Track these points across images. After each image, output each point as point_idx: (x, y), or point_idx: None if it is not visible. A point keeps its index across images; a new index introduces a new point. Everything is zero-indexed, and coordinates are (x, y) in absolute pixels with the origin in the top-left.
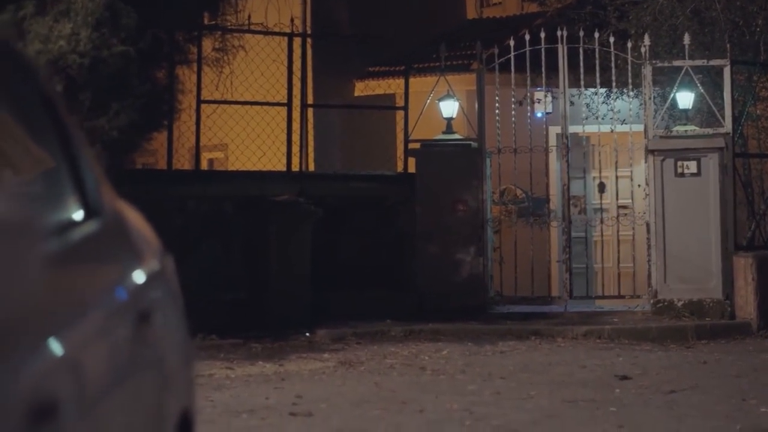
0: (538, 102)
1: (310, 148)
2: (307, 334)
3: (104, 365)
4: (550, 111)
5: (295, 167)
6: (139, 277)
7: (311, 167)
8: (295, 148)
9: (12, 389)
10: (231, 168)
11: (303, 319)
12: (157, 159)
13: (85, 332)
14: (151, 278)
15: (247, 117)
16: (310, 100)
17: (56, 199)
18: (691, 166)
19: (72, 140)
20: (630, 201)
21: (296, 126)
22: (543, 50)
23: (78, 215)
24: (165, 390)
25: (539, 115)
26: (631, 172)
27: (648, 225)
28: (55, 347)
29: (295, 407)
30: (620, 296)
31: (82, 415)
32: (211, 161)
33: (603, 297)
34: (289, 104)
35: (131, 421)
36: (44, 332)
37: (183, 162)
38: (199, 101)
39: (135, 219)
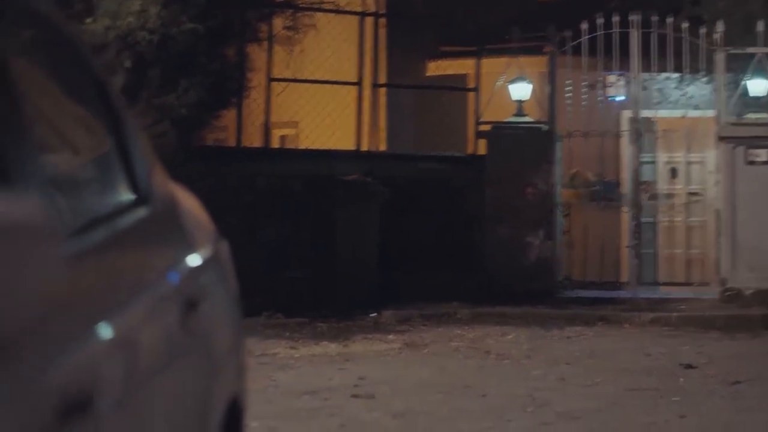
0: (610, 86)
1: (382, 128)
2: (373, 314)
3: (146, 355)
4: (624, 96)
5: (365, 147)
6: (188, 264)
7: (382, 147)
8: (365, 128)
9: (37, 387)
10: (302, 145)
11: (369, 299)
12: (228, 135)
13: (126, 323)
14: (202, 264)
15: (317, 95)
16: (382, 79)
17: (105, 184)
18: (762, 154)
19: (122, 123)
20: (701, 187)
21: (366, 105)
22: (616, 34)
23: (127, 201)
24: (212, 378)
25: (615, 98)
26: (703, 158)
27: (718, 212)
28: (90, 340)
29: (357, 389)
30: (688, 283)
31: (119, 407)
32: (282, 138)
33: (671, 284)
34: (359, 83)
35: (174, 410)
36: (76, 326)
37: (254, 139)
38: (270, 79)
39: (189, 203)
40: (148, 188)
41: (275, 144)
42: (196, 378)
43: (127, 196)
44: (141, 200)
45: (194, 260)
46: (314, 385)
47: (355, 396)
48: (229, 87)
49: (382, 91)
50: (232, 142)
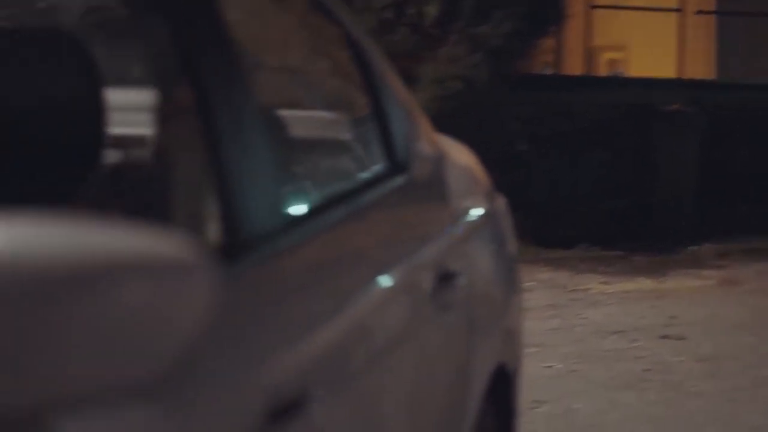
0: None
1: (709, 56)
2: (693, 248)
3: (380, 341)
4: None
5: (688, 75)
6: (448, 233)
7: (709, 75)
8: (689, 56)
9: (243, 390)
10: (630, 69)
11: (687, 232)
12: (547, 64)
13: (355, 311)
14: (468, 229)
15: (639, 22)
16: (709, 5)
17: (355, 154)
18: None
19: (378, 84)
20: None
21: (690, 32)
22: None
23: (380, 171)
24: (470, 351)
25: None
26: None
27: None
28: (306, 338)
29: (667, 329)
30: None
31: (342, 400)
32: (610, 61)
33: None
34: (680, 10)
35: (416, 389)
36: (279, 327)
37: (574, 67)
38: (590, 6)
39: (462, 159)
40: (406, 154)
41: (602, 68)
42: (449, 353)
43: (380, 165)
44: (397, 168)
45: (458, 227)
46: (623, 324)
47: (664, 337)
48: (546, 16)
49: (710, 17)
50: (550, 71)
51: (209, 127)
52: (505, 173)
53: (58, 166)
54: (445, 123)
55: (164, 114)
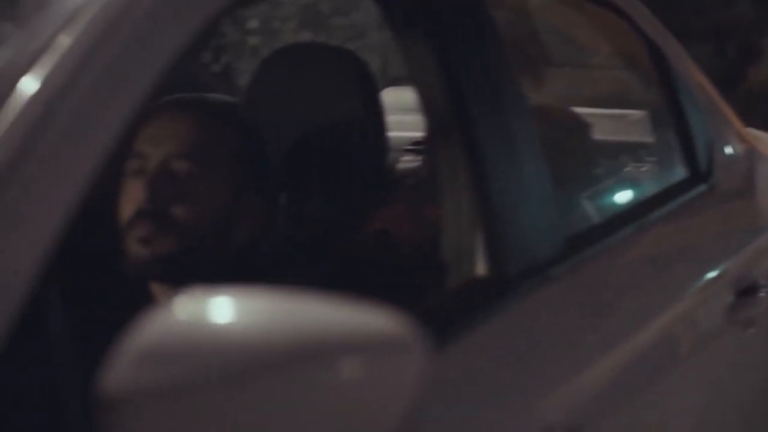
0: None
1: None
2: None
3: (665, 365)
4: None
5: None
6: (751, 244)
7: None
8: None
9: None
10: None
11: None
12: None
13: (641, 339)
14: None
15: None
16: None
17: (653, 156)
18: None
19: (678, 84)
20: None
21: None
22: None
23: (680, 178)
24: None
25: None
26: None
27: None
28: (587, 368)
29: None
30: None
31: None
32: None
33: None
34: None
35: (706, 413)
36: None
37: None
38: None
39: None
40: (709, 159)
41: None
42: (750, 371)
43: (680, 172)
44: (698, 175)
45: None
46: None
47: None
48: None
49: None
50: None
51: (475, 147)
52: None
53: (354, 175)
54: None
55: (429, 133)
